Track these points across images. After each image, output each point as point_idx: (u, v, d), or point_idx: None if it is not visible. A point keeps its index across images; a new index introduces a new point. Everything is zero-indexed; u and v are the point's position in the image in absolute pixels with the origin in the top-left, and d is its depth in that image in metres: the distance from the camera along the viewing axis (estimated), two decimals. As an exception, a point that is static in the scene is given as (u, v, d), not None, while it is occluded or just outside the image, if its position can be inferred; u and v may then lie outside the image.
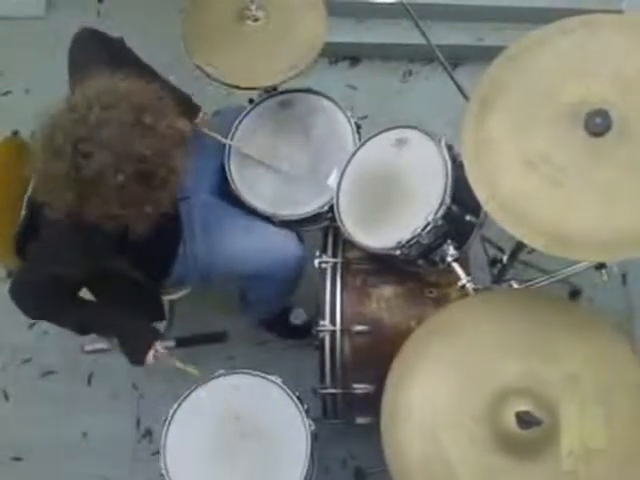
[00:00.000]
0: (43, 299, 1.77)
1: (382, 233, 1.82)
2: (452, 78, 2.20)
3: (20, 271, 1.80)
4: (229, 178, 2.10)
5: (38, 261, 1.76)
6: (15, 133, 2.00)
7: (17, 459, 2.42)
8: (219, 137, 2.10)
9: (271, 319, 2.47)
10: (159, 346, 1.87)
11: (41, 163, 1.57)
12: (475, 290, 1.75)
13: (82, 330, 1.87)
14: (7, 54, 3.00)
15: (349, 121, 2.12)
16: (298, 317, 2.33)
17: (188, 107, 2.04)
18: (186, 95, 2.07)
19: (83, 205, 1.55)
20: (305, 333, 2.38)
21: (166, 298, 2.18)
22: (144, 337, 1.88)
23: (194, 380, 1.87)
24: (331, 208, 1.96)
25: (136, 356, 1.88)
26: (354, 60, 2.97)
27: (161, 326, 2.49)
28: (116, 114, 1.52)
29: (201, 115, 2.09)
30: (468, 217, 1.81)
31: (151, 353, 1.86)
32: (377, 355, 1.72)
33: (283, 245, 2.06)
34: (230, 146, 2.12)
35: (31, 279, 1.76)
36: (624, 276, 2.56)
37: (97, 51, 1.81)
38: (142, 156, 1.51)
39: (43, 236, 1.74)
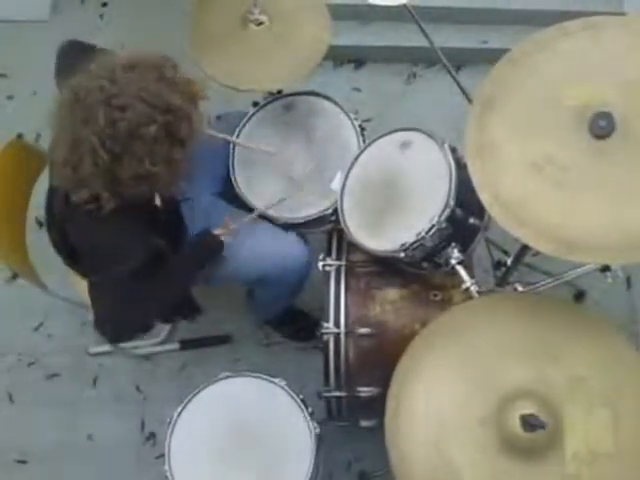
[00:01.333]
0: (130, 308, 1.74)
1: (386, 236, 1.82)
2: (456, 81, 2.20)
3: (97, 293, 1.77)
4: (233, 181, 2.10)
5: (104, 271, 1.73)
6: (20, 136, 2.01)
7: (22, 462, 2.43)
8: (225, 136, 2.10)
9: (276, 319, 2.47)
10: (228, 222, 1.92)
11: (68, 132, 1.60)
12: (479, 293, 1.75)
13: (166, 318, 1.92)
14: (12, 57, 3.01)
15: (353, 124, 2.12)
16: None
17: None
18: None
19: (115, 168, 1.59)
20: (309, 335, 2.39)
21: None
22: (213, 242, 1.91)
23: (198, 382, 1.87)
24: (335, 211, 1.96)
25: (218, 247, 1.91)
26: (358, 63, 2.98)
27: (165, 330, 2.51)
28: (139, 72, 1.59)
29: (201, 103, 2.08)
30: (472, 220, 1.81)
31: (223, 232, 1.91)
32: (381, 358, 1.72)
33: (289, 248, 2.06)
34: (234, 149, 2.13)
35: (111, 290, 1.73)
36: (629, 279, 2.56)
37: (81, 55, 1.81)
38: (171, 106, 1.58)
39: (86, 247, 1.75)
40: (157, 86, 1.59)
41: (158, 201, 1.81)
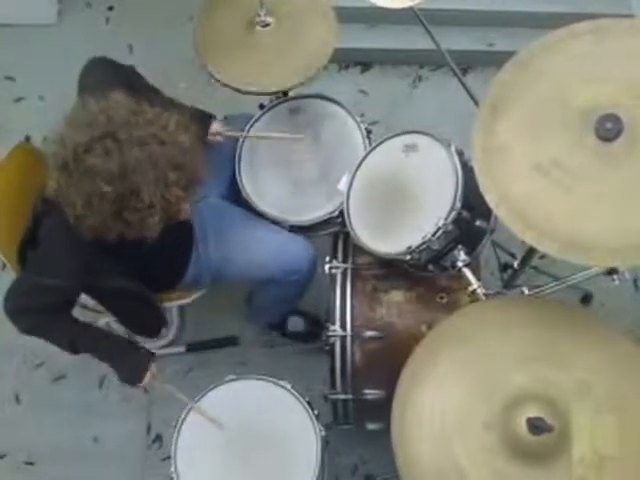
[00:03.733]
0: (36, 311, 1.75)
1: (392, 238, 1.82)
2: (462, 83, 2.20)
3: (15, 280, 1.77)
4: (239, 184, 2.10)
5: (34, 271, 1.74)
6: (27, 139, 2.02)
7: (29, 463, 2.43)
8: (237, 133, 2.10)
9: (279, 322, 2.47)
10: (154, 368, 1.87)
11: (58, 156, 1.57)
12: (486, 295, 1.74)
13: (73, 349, 1.83)
14: (20, 61, 3.02)
15: (359, 126, 2.12)
16: (295, 326, 2.35)
17: (201, 121, 2.00)
18: (198, 111, 2.05)
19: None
20: (313, 337, 2.38)
21: (180, 302, 2.18)
22: (140, 359, 1.87)
23: (204, 385, 1.87)
24: (341, 213, 1.96)
25: (132, 376, 1.86)
26: (365, 66, 2.98)
27: (170, 332, 2.51)
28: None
29: (214, 126, 2.08)
30: (478, 222, 1.81)
31: (148, 374, 1.85)
32: (388, 361, 1.72)
33: (295, 251, 2.06)
34: (241, 152, 2.13)
35: (25, 289, 1.74)
36: (635, 281, 2.55)
37: (109, 77, 1.82)
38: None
39: (43, 246, 1.74)
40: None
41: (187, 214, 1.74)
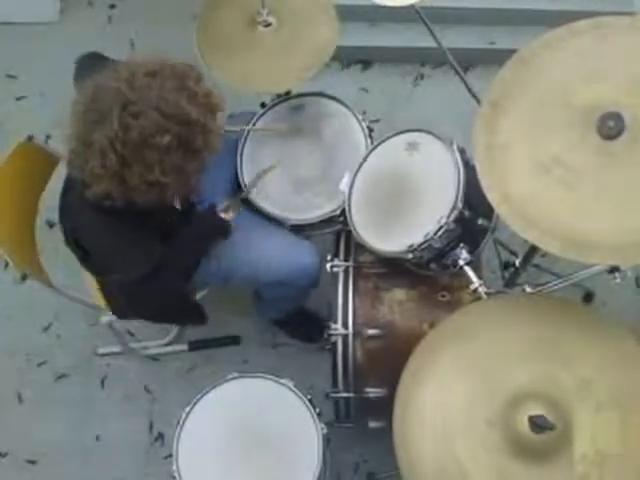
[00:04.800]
0: (159, 293, 1.77)
1: (394, 237, 1.82)
2: (464, 81, 2.19)
3: (117, 287, 1.80)
4: (241, 182, 2.10)
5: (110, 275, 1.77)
6: (30, 138, 2.02)
7: (31, 462, 2.43)
8: (238, 127, 2.11)
9: (284, 320, 2.47)
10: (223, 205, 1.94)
11: (81, 130, 1.59)
12: (488, 294, 1.74)
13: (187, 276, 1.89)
14: (21, 59, 3.02)
15: (361, 125, 2.12)
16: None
17: None
18: None
19: (124, 172, 1.58)
20: (317, 336, 2.38)
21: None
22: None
23: (206, 383, 1.88)
24: (343, 212, 1.96)
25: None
26: (366, 64, 2.98)
27: (173, 331, 2.51)
28: (160, 80, 1.58)
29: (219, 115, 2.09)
30: (480, 221, 1.81)
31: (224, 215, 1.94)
32: (389, 359, 1.72)
33: (301, 252, 2.07)
34: (243, 152, 2.13)
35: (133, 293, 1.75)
36: (637, 279, 2.55)
37: (102, 63, 1.81)
38: (188, 118, 1.57)
39: (93, 248, 1.77)
40: (176, 96, 1.58)
41: (178, 204, 1.81)
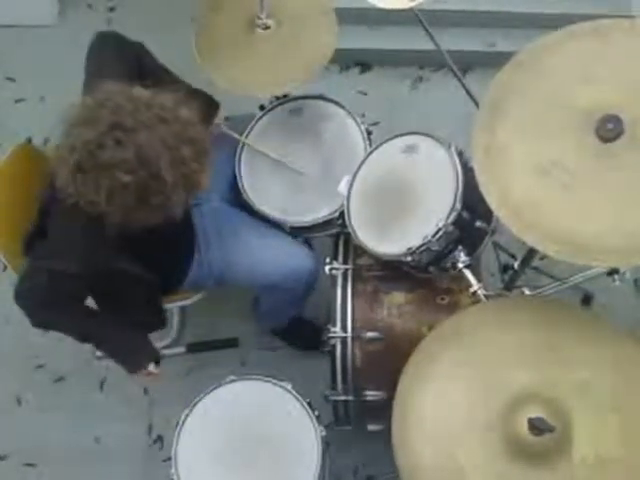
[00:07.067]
0: (45, 302, 1.73)
1: (393, 239, 1.82)
2: (462, 84, 2.20)
3: (26, 273, 1.75)
4: (240, 185, 2.10)
5: (39, 258, 1.73)
6: (29, 141, 2.02)
7: (30, 465, 2.43)
8: (237, 135, 2.11)
9: (282, 328, 2.47)
10: (152, 368, 1.89)
11: (70, 119, 1.57)
12: (487, 296, 1.74)
13: (83, 338, 1.85)
14: (20, 61, 3.02)
15: (360, 127, 2.12)
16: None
17: (209, 107, 2.03)
18: (206, 95, 2.06)
19: (77, 175, 1.53)
20: (316, 345, 2.37)
21: (181, 303, 2.18)
22: (141, 355, 1.89)
23: (204, 386, 1.87)
24: (342, 214, 1.96)
25: (130, 367, 1.90)
26: (365, 66, 2.98)
27: (170, 332, 2.51)
28: (164, 127, 1.54)
29: (220, 114, 2.09)
30: (479, 223, 1.81)
31: (152, 366, 1.88)
32: (388, 362, 1.72)
33: (298, 257, 2.07)
34: (241, 154, 2.13)
35: (31, 277, 1.72)
36: (636, 281, 2.55)
37: (115, 61, 1.80)
38: (158, 175, 1.52)
39: (53, 232, 1.72)
40: (161, 151, 1.52)
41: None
